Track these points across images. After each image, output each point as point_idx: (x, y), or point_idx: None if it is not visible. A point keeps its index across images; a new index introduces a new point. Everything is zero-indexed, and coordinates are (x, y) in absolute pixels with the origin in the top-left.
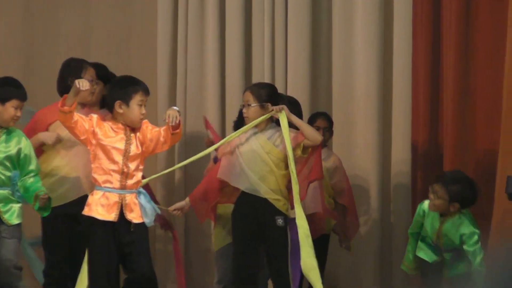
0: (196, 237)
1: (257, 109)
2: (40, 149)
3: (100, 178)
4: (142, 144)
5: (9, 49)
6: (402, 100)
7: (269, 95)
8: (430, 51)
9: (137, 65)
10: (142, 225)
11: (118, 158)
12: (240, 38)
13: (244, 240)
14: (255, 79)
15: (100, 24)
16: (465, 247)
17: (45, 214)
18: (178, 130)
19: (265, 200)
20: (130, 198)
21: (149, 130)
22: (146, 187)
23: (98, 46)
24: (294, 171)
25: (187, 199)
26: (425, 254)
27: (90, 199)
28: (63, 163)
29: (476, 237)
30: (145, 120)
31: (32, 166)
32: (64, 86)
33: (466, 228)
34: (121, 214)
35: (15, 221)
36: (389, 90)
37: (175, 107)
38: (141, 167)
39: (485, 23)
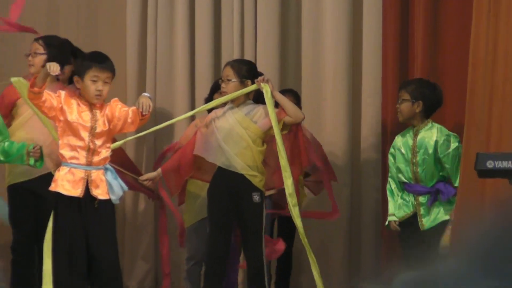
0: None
1: (236, 85)
2: (9, 125)
3: (67, 154)
4: (109, 121)
5: None
6: (372, 76)
7: (249, 71)
8: (400, 29)
9: (105, 43)
10: (108, 202)
11: (84, 134)
12: (210, 16)
13: (219, 216)
14: (225, 58)
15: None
16: (442, 157)
17: (41, 165)
18: (147, 115)
19: (241, 176)
20: (96, 174)
21: (118, 109)
22: (121, 154)
23: (67, 22)
24: (281, 146)
25: (159, 170)
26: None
27: (56, 175)
28: (27, 138)
29: (454, 140)
30: (115, 99)
31: (4, 136)
32: None
33: (440, 133)
34: (87, 191)
35: None
36: (359, 67)
37: (146, 94)
38: (108, 144)
39: (454, 5)
